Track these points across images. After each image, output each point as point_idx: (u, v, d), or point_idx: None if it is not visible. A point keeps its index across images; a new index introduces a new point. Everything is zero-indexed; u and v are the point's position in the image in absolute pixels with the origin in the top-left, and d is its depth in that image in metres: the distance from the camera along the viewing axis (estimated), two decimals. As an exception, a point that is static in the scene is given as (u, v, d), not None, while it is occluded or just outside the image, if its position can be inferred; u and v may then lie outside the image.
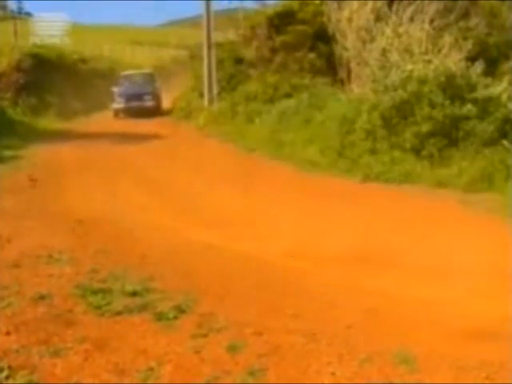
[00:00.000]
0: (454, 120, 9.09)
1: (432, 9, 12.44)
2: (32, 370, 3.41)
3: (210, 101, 18.86)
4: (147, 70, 26.60)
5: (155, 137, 15.94)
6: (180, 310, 4.24)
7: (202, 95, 19.80)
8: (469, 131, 8.96)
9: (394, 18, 12.48)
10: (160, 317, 4.15)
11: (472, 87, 9.56)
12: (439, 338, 3.83)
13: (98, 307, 4.32)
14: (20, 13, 32.28)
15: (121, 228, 6.82)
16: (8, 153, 12.30)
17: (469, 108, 9.10)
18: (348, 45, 12.98)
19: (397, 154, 9.42)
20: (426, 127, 9.18)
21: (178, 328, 3.99)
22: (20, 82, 20.96)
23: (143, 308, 4.30)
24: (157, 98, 22.62)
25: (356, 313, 4.25)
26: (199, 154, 13.22)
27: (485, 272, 5.02)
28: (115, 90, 22.67)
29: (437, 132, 9.14)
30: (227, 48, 20.50)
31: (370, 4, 12.87)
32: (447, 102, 9.24)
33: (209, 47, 18.88)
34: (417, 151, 9.25)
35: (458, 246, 5.79)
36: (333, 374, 3.38)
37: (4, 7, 30.92)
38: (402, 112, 9.62)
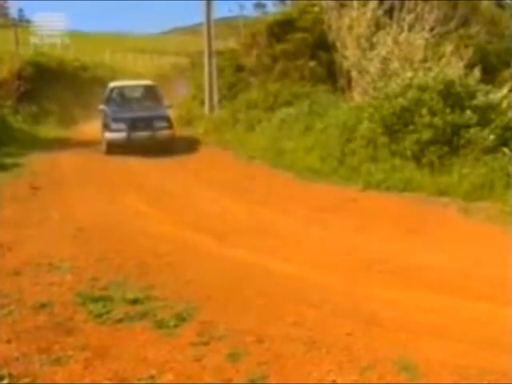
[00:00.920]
0: (455, 127, 9.09)
1: (432, 17, 12.48)
2: (33, 378, 3.41)
3: (211, 109, 18.90)
4: (146, 82, 18.12)
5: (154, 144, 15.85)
6: (181, 318, 4.24)
7: (202, 103, 19.83)
8: (469, 139, 8.96)
9: (394, 26, 12.52)
10: (161, 325, 4.15)
11: (472, 95, 9.57)
12: (440, 345, 3.83)
13: (99, 315, 4.32)
14: (21, 20, 32.43)
15: (121, 235, 6.82)
16: (8, 160, 12.29)
17: (469, 115, 9.11)
18: (348, 53, 13.01)
19: (397, 161, 9.43)
20: (426, 135, 9.18)
21: (178, 336, 3.99)
22: (21, 89, 21.01)
23: (144, 316, 4.30)
24: (170, 122, 14.69)
25: (356, 320, 4.25)
26: (199, 161, 13.20)
27: (485, 280, 5.03)
28: (105, 108, 14.97)
29: (437, 140, 9.13)
30: (228, 56, 20.63)
31: (370, 12, 12.92)
32: (447, 110, 9.25)
33: (209, 55, 18.93)
34: (417, 159, 9.25)
35: (458, 255, 5.81)
36: (333, 381, 3.39)
37: (5, 15, 31.07)
38: (403, 120, 9.63)
